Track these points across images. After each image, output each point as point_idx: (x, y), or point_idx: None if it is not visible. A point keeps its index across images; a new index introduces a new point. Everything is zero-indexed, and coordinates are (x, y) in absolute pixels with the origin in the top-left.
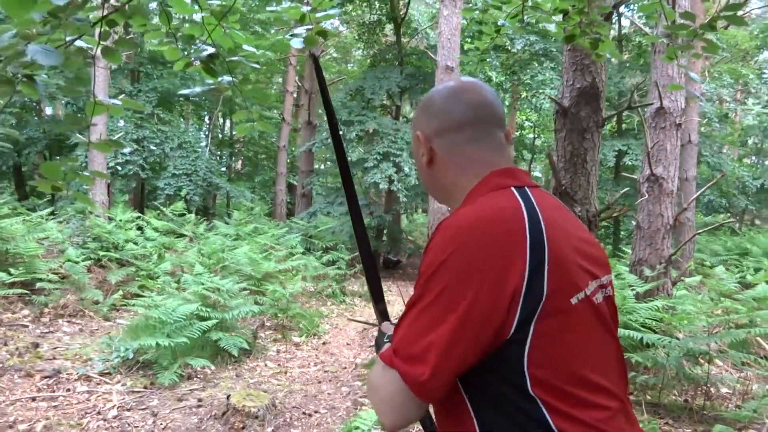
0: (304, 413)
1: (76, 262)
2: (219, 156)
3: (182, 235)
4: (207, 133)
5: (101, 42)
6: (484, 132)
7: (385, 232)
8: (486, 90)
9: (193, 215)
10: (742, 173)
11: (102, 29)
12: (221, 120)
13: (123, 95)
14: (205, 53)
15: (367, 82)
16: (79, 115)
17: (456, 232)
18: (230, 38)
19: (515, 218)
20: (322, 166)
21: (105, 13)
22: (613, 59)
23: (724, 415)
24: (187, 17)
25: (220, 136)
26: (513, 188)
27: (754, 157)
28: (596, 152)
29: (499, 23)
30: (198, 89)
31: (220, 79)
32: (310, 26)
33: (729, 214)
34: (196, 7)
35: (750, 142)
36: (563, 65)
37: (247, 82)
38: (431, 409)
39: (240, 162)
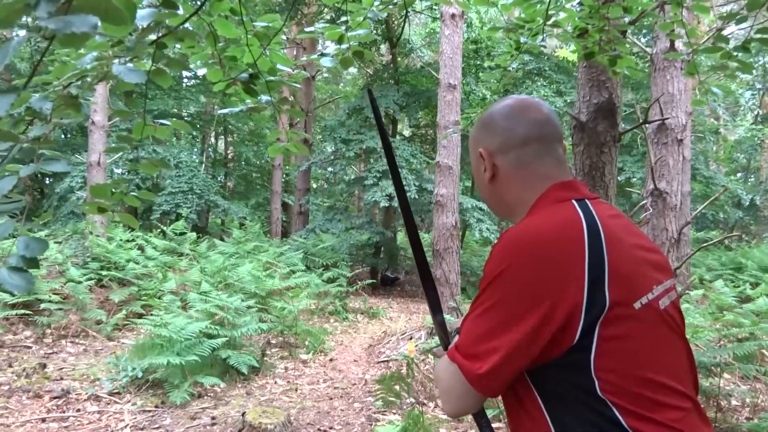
0: (319, 430)
1: (79, 282)
2: (213, 175)
3: (182, 254)
4: (202, 152)
5: (154, 64)
6: (546, 148)
7: (382, 249)
8: (545, 107)
9: (194, 234)
10: (736, 188)
11: (155, 51)
12: (214, 140)
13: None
14: (246, 74)
15: (365, 101)
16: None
17: (514, 246)
18: (269, 60)
19: (575, 232)
20: (318, 185)
21: (158, 36)
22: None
23: (744, 427)
24: (227, 38)
25: (213, 155)
26: (574, 200)
27: (739, 173)
28: (614, 166)
29: (522, 40)
30: (237, 109)
31: (258, 98)
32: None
33: (721, 230)
34: (239, 30)
35: (741, 157)
36: (578, 81)
37: (284, 102)
38: (500, 404)
39: (231, 181)
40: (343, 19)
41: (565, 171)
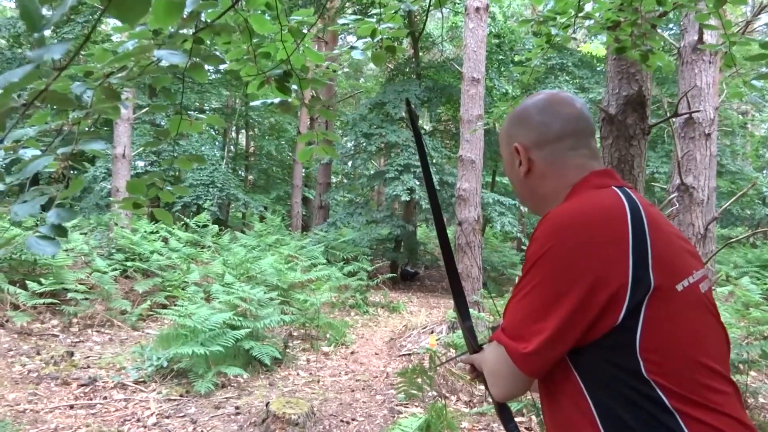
0: (342, 421)
1: (105, 273)
2: (234, 169)
3: (205, 246)
4: (223, 146)
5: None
6: (580, 141)
7: (403, 243)
8: (578, 102)
9: (216, 227)
10: (762, 184)
11: (192, 46)
12: (234, 134)
13: (146, 109)
14: (280, 71)
15: (387, 96)
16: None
17: (557, 227)
18: (303, 56)
19: (618, 214)
20: (338, 179)
21: (195, 30)
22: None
23: None
24: (261, 36)
25: (233, 149)
26: (614, 187)
27: (765, 171)
28: (643, 159)
29: (553, 32)
30: (270, 101)
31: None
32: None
33: (746, 227)
34: (275, 25)
35: (766, 153)
36: (608, 74)
37: (317, 102)
38: (535, 396)
39: (251, 175)
40: (374, 11)
41: (599, 162)
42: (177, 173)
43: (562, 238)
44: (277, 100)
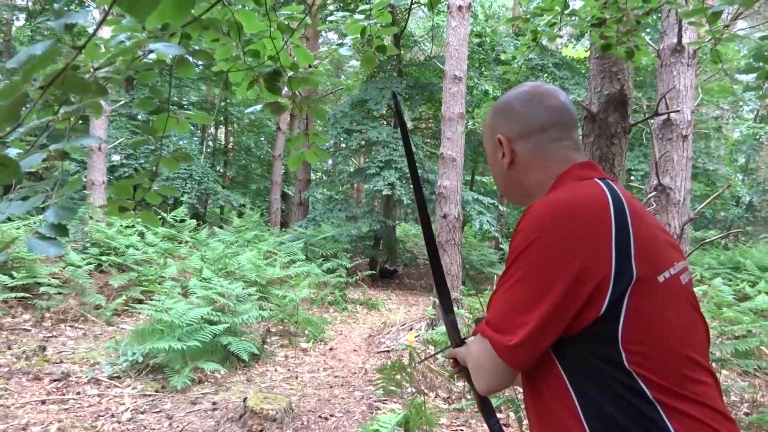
0: (320, 417)
1: (79, 267)
2: (212, 164)
3: (182, 241)
4: (202, 141)
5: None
6: (565, 133)
7: (382, 241)
8: (562, 94)
9: (194, 221)
10: (737, 186)
11: (180, 40)
12: (213, 129)
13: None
14: (269, 68)
15: (369, 93)
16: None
17: (540, 219)
18: (290, 55)
19: (601, 205)
20: (317, 177)
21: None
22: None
23: (744, 421)
24: (251, 34)
25: (212, 144)
26: (596, 179)
27: (740, 174)
28: (623, 157)
29: (539, 29)
30: (260, 107)
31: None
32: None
33: (719, 230)
34: (264, 23)
35: (740, 157)
36: (590, 72)
37: (307, 102)
38: (512, 392)
39: (230, 171)
40: (362, 7)
41: (581, 154)
42: (154, 168)
43: (546, 230)
44: (266, 102)
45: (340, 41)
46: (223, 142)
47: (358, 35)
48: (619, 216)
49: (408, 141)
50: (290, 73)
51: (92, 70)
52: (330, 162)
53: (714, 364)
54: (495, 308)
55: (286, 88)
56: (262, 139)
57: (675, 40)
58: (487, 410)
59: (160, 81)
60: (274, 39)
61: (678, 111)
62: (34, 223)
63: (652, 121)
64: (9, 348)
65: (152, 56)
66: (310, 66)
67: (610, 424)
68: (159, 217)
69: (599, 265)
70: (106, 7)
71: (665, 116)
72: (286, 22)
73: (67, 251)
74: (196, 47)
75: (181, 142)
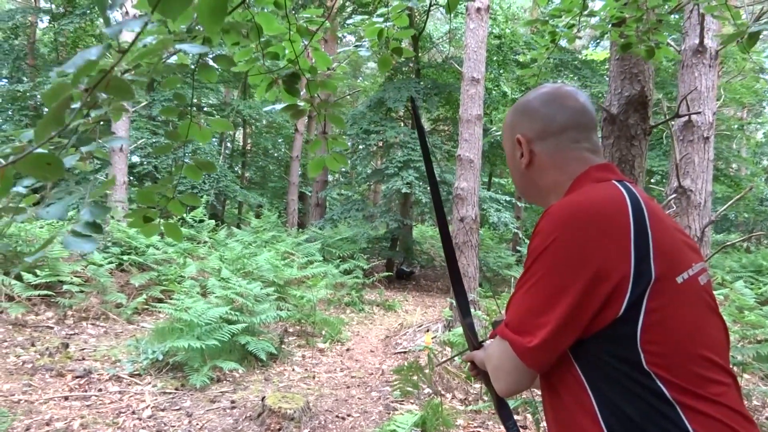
0: (337, 416)
1: (100, 266)
2: (230, 165)
3: (201, 242)
4: (220, 142)
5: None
6: (584, 134)
7: (398, 242)
8: (582, 96)
9: (212, 222)
10: (761, 188)
11: (201, 44)
12: (232, 132)
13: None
14: (288, 71)
15: (387, 93)
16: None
17: (559, 221)
18: (308, 60)
19: (619, 207)
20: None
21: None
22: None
23: (765, 426)
24: (270, 36)
25: (230, 146)
26: (614, 181)
27: (763, 176)
28: (644, 159)
29: (558, 30)
30: (279, 107)
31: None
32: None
33: (740, 233)
34: (283, 26)
35: (762, 159)
36: (610, 73)
37: (325, 106)
38: (530, 394)
39: (248, 172)
40: (380, 11)
41: (600, 157)
42: (172, 168)
43: (565, 231)
44: (284, 105)
45: (357, 43)
46: (241, 144)
47: (375, 37)
48: (638, 217)
49: (426, 146)
50: (308, 76)
51: (120, 73)
52: (349, 162)
53: (735, 368)
54: (514, 310)
55: (304, 91)
56: (280, 140)
57: (697, 41)
58: (504, 412)
59: (181, 85)
60: (294, 42)
61: (699, 113)
62: (58, 221)
63: (672, 122)
64: (32, 345)
65: (174, 59)
66: (328, 69)
67: (627, 424)
68: (178, 218)
69: (618, 265)
70: (144, 11)
71: (686, 118)
72: (306, 26)
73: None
74: (219, 52)
75: (200, 144)
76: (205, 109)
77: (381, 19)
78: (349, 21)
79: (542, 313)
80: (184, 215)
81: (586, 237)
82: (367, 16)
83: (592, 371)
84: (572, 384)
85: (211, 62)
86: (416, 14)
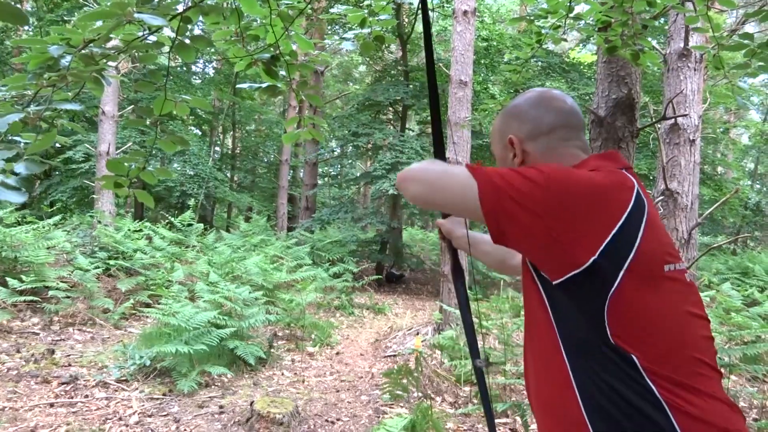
0: (327, 421)
1: (87, 271)
2: (219, 168)
3: (189, 246)
4: (209, 145)
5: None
6: (573, 133)
7: (388, 245)
8: (569, 98)
9: (200, 225)
10: (746, 191)
11: (179, 24)
12: (221, 135)
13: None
14: (268, 54)
15: (376, 95)
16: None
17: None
18: (290, 42)
19: (627, 183)
20: (324, 182)
21: (183, 9)
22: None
23: (753, 427)
24: (251, 18)
25: (219, 150)
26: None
27: (748, 180)
28: (631, 161)
29: (543, 31)
30: (256, 86)
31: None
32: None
33: (727, 235)
34: (265, 9)
35: (748, 162)
36: (597, 76)
37: (304, 87)
38: (519, 397)
39: (237, 176)
40: (366, 2)
41: (589, 154)
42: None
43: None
44: (264, 85)
45: (343, 35)
46: (230, 148)
47: (360, 27)
48: (638, 198)
49: (431, 56)
50: (287, 59)
51: (84, 42)
52: (338, 166)
53: (723, 370)
54: (494, 170)
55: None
56: (269, 143)
57: (682, 45)
58: (458, 274)
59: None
60: (274, 26)
61: (685, 115)
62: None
63: (659, 125)
64: (18, 351)
65: (153, 38)
66: (306, 54)
67: (601, 386)
68: (166, 221)
69: (605, 213)
70: None
71: (672, 121)
72: (287, 10)
73: (75, 255)
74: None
75: (189, 147)
76: (194, 108)
77: (365, 11)
78: (333, 10)
79: (516, 178)
80: (172, 219)
81: (586, 184)
82: (351, 7)
83: (570, 345)
84: (552, 356)
85: (188, 41)
86: (404, 17)
